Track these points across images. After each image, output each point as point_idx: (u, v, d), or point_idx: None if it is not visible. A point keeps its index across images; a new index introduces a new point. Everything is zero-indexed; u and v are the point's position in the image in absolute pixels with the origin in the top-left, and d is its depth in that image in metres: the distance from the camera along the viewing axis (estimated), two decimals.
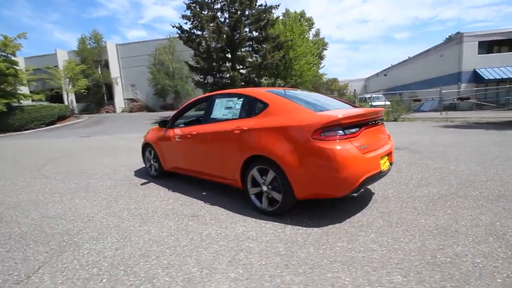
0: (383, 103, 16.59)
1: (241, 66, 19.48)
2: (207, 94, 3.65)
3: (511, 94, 17.03)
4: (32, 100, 19.83)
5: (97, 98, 30.77)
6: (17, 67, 17.60)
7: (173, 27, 18.49)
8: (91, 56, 29.45)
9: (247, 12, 18.06)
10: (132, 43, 32.93)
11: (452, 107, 17.76)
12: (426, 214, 2.58)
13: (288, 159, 2.42)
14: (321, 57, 37.29)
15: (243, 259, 1.99)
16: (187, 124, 4.02)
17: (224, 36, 17.22)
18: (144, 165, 5.27)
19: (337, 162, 2.23)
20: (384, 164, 2.61)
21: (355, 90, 17.24)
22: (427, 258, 1.89)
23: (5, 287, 1.81)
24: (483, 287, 1.58)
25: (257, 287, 1.67)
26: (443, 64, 22.74)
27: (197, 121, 4.08)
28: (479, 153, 5.04)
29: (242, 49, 19.14)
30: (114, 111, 30.83)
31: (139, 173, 4.86)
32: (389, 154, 2.75)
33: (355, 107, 3.22)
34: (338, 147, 2.26)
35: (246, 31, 18.35)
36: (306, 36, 24.78)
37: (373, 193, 3.20)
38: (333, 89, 33.57)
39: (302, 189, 2.44)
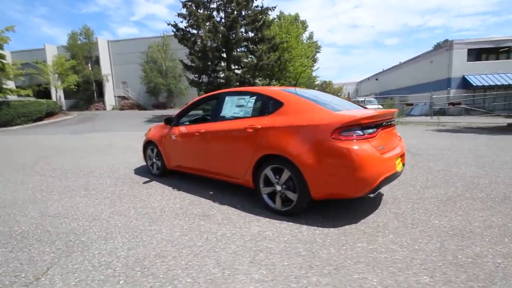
0: (376, 106, 16.85)
1: (236, 66, 19.43)
2: (215, 92, 3.58)
3: (497, 101, 17.64)
4: (19, 96, 19.14)
5: (86, 95, 29.99)
6: (4, 61, 16.94)
7: (168, 24, 18.31)
8: (81, 52, 28.72)
9: (243, 13, 18.03)
10: (124, 40, 32.33)
11: (442, 112, 18.22)
12: (439, 215, 2.60)
13: (305, 159, 2.39)
14: (314, 60, 37.68)
15: (264, 259, 1.94)
16: (193, 122, 3.94)
17: (220, 35, 17.13)
18: (143, 164, 5.15)
19: (357, 162, 2.22)
20: (398, 165, 2.61)
21: (349, 93, 17.48)
22: (449, 259, 1.89)
23: None
24: (509, 287, 1.59)
25: None
26: (433, 70, 23.34)
27: (203, 119, 4.01)
28: (476, 157, 5.17)
29: (238, 49, 19.10)
30: (104, 109, 30.14)
31: (139, 172, 4.73)
32: (402, 156, 2.77)
33: (365, 108, 3.23)
34: (358, 147, 2.25)
35: (242, 32, 18.32)
36: (301, 38, 24.96)
37: (383, 194, 3.21)
38: (328, 92, 33.95)
39: (319, 189, 2.41)
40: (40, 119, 18.35)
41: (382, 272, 1.76)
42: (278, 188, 2.64)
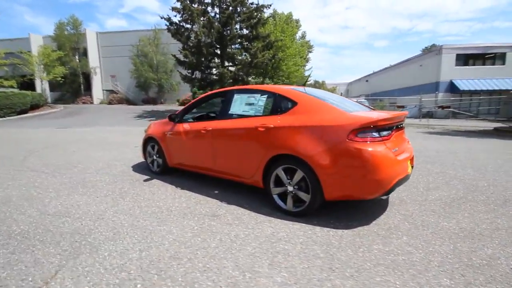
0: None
1: (230, 63, 19.27)
2: (223, 89, 3.51)
3: (482, 105, 18.29)
4: (1, 86, 18.28)
5: (73, 87, 29.00)
6: None
7: (161, 18, 17.93)
8: (68, 43, 27.68)
9: (238, 9, 17.87)
10: (114, 32, 31.41)
11: (430, 115, 18.74)
12: (447, 217, 2.65)
13: (320, 159, 2.37)
14: (306, 60, 37.85)
15: (283, 262, 1.91)
16: (198, 119, 3.86)
17: (215, 31, 16.91)
18: (140, 160, 5.04)
19: (373, 164, 2.22)
20: (409, 168, 2.64)
21: (341, 93, 17.68)
22: (465, 261, 1.92)
23: None
24: None
25: None
26: (422, 74, 23.94)
27: (208, 116, 3.93)
28: (471, 159, 5.32)
29: (232, 46, 18.93)
30: (92, 102, 29.25)
31: (137, 169, 4.60)
32: (412, 158, 2.80)
33: (373, 109, 3.24)
34: (375, 149, 2.25)
35: (237, 28, 18.17)
36: (295, 38, 25.01)
37: (388, 196, 3.24)
38: None
39: (333, 190, 2.40)
40: (24, 111, 17.59)
41: (403, 274, 1.76)
42: (290, 188, 2.61)
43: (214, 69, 18.82)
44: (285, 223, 2.52)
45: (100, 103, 29.49)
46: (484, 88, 20.31)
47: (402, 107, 16.07)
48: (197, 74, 18.93)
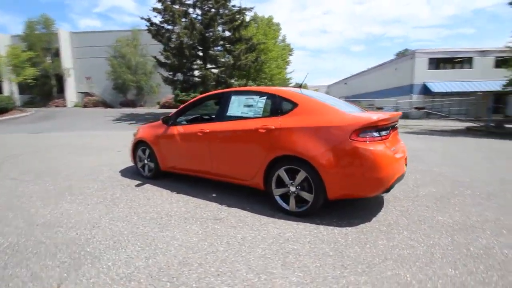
0: None
1: (213, 65, 19.11)
2: (219, 91, 3.48)
3: (453, 106, 19.50)
4: None
5: (44, 90, 27.34)
6: None
7: (141, 18, 17.46)
8: (39, 43, 26.05)
9: (221, 11, 17.80)
10: (89, 32, 30.09)
11: (405, 116, 19.70)
12: (440, 212, 2.79)
13: (323, 160, 2.42)
14: (287, 62, 38.42)
15: (295, 261, 1.92)
16: (192, 121, 3.79)
17: (197, 33, 16.72)
18: (128, 165, 4.89)
19: (375, 162, 2.30)
20: (404, 166, 2.75)
21: None
22: (463, 251, 2.03)
23: None
24: None
25: None
26: (397, 77, 25.12)
27: (203, 118, 3.87)
28: (450, 157, 5.65)
29: (215, 48, 18.81)
30: (65, 106, 27.74)
31: (126, 174, 4.43)
32: (406, 157, 2.92)
33: (366, 111, 3.35)
34: (376, 148, 2.33)
35: (219, 30, 18.08)
36: (277, 41, 25.33)
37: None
38: None
39: (336, 189, 2.45)
40: None
41: (411, 267, 1.83)
42: (293, 189, 2.63)
43: (196, 71, 18.59)
44: (289, 223, 2.54)
45: (75, 106, 28.06)
46: (454, 90, 21.68)
47: (381, 108, 16.74)
48: (179, 76, 18.60)
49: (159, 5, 16.91)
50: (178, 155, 3.66)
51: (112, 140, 8.69)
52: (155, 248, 2.12)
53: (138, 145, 4.19)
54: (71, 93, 29.00)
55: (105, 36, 28.31)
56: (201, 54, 18.45)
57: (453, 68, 23.16)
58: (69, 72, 28.16)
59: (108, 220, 2.67)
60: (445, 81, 22.13)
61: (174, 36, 17.40)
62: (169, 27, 17.75)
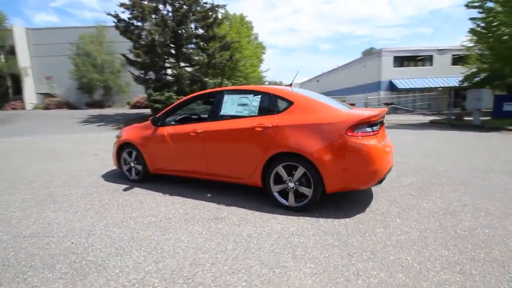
0: None
1: (187, 64, 18.68)
2: (211, 90, 3.45)
3: (417, 101, 20.99)
4: None
5: None
6: None
7: (108, 14, 16.49)
8: None
9: (193, 8, 17.42)
10: (48, 29, 27.88)
11: None
12: (424, 199, 3.03)
13: (321, 155, 2.52)
14: (261, 61, 38.70)
15: (305, 254, 1.99)
16: (182, 121, 3.72)
17: (169, 30, 16.21)
18: (109, 169, 4.73)
19: (370, 155, 2.45)
20: (392, 159, 2.95)
21: None
22: (451, 233, 2.24)
23: None
24: (506, 250, 1.97)
25: (340, 278, 1.71)
26: (366, 74, 26.44)
27: (193, 118, 3.81)
28: (422, 149, 6.11)
29: (188, 46, 18.39)
30: (23, 108, 25.52)
31: (109, 178, 4.23)
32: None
33: (352, 108, 3.53)
34: (370, 143, 2.47)
35: (192, 28, 17.70)
36: (251, 39, 25.37)
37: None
38: None
39: (334, 183, 2.56)
40: None
41: (410, 251, 1.99)
42: (291, 185, 2.70)
43: (169, 70, 18.04)
44: (290, 218, 2.61)
45: (34, 108, 25.91)
46: (417, 86, 23.36)
47: (353, 104, 17.53)
48: (151, 75, 17.93)
49: (126, 1, 16.12)
50: (169, 156, 3.57)
51: (83, 143, 8.20)
52: (161, 251, 2.08)
53: (123, 147, 4.02)
54: (30, 94, 26.76)
55: (66, 33, 26.45)
56: (174, 52, 17.92)
57: (415, 65, 24.90)
58: (26, 72, 25.92)
59: (103, 226, 2.55)
60: (409, 78, 23.74)
61: (144, 33, 16.72)
62: (139, 23, 17.02)
